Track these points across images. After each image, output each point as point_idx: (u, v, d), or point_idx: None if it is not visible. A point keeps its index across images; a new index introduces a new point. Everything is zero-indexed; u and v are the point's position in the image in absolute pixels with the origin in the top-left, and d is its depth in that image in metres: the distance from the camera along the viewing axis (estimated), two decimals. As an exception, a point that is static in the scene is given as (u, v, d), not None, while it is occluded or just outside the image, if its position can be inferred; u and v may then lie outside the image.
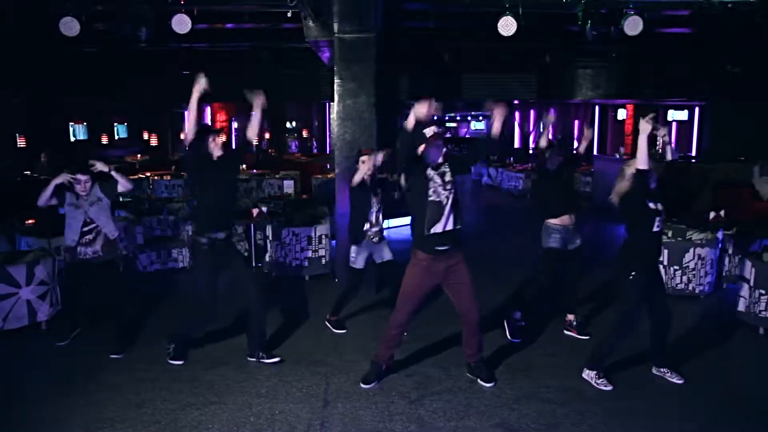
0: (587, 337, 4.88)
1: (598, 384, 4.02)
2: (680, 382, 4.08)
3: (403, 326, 4.06)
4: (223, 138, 4.37)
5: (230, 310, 5.52)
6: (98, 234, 4.69)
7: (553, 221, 4.82)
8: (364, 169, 4.80)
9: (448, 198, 3.83)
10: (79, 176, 4.63)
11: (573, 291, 5.08)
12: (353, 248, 4.97)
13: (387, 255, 5.06)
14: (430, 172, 3.83)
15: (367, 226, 4.92)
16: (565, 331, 5.00)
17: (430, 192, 3.81)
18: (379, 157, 4.92)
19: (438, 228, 3.83)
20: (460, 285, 3.97)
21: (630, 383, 4.08)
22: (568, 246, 4.86)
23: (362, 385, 4.06)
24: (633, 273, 3.92)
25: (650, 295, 4.00)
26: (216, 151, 4.27)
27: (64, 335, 4.82)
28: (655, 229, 3.89)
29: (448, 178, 3.86)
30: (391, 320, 4.07)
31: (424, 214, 3.83)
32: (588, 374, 4.10)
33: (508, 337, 4.89)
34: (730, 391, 4.04)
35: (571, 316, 5.04)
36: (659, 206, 3.90)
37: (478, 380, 4.10)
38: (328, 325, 5.18)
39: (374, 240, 4.97)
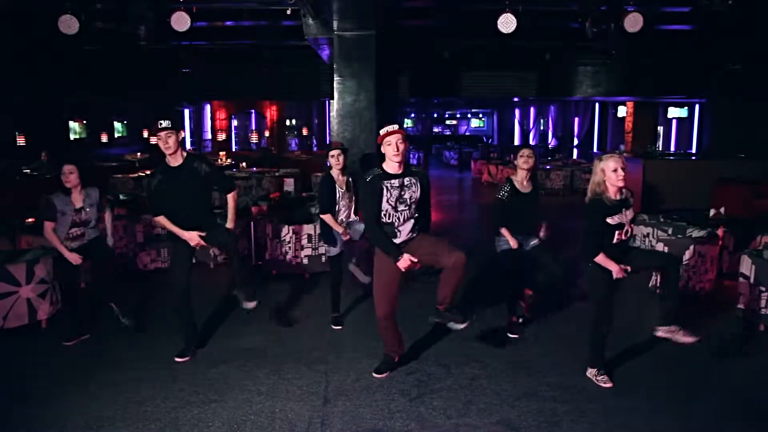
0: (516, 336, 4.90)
1: (598, 381, 4.03)
2: (692, 339, 3.97)
3: (389, 317, 4.02)
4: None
5: (229, 310, 5.53)
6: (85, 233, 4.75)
7: (503, 232, 4.79)
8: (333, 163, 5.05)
9: (401, 221, 3.82)
10: (67, 166, 4.60)
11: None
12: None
13: (356, 236, 5.13)
14: (386, 192, 3.78)
15: (344, 218, 5.11)
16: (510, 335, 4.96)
17: (383, 213, 3.80)
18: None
19: (395, 241, 3.86)
20: (430, 247, 3.86)
21: (630, 382, 4.08)
22: (524, 246, 4.83)
23: (374, 375, 4.14)
24: (590, 265, 3.90)
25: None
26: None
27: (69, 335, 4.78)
28: (614, 241, 3.85)
29: (405, 199, 3.80)
30: (379, 317, 4.03)
31: (377, 225, 3.84)
32: (589, 372, 4.11)
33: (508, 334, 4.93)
34: (730, 388, 4.04)
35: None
36: (623, 219, 3.82)
37: (451, 324, 3.86)
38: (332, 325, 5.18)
39: (350, 222, 5.14)
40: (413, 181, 3.85)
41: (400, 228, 3.85)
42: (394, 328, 4.13)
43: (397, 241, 3.86)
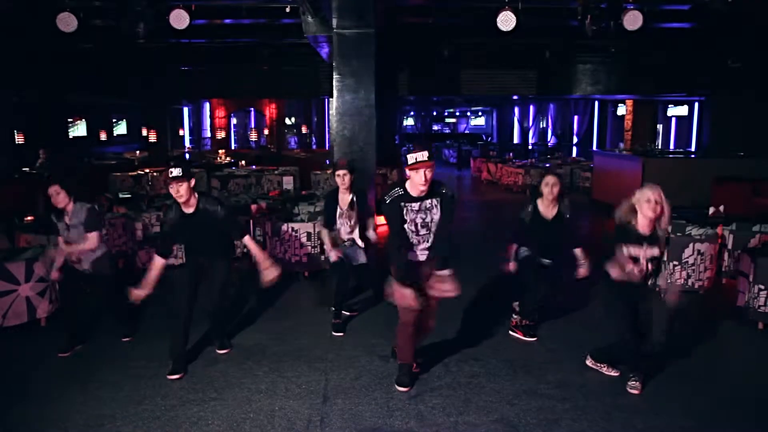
0: (534, 339, 4.85)
1: (630, 388, 3.90)
2: (616, 374, 4.10)
3: (413, 323, 3.89)
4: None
5: (229, 308, 5.53)
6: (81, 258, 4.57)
7: (509, 248, 4.87)
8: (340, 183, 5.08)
9: (421, 243, 3.77)
10: (54, 187, 4.46)
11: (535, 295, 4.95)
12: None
13: (362, 259, 5.16)
14: (406, 214, 3.72)
15: (345, 236, 5.13)
16: (510, 332, 4.95)
17: (406, 224, 3.74)
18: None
19: (411, 257, 3.80)
20: (431, 296, 3.90)
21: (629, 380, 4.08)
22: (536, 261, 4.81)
23: (398, 388, 3.95)
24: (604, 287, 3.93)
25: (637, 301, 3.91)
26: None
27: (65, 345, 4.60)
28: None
29: (427, 224, 3.74)
30: (402, 321, 3.91)
31: (397, 241, 3.77)
32: (592, 363, 4.16)
33: (525, 338, 4.86)
34: (730, 386, 4.04)
35: (517, 317, 4.98)
36: (641, 251, 3.75)
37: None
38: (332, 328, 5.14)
39: (346, 244, 5.13)
40: (434, 203, 3.72)
41: (417, 248, 3.81)
42: (413, 335, 3.95)
43: (412, 257, 3.80)
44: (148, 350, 4.59)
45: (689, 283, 6.01)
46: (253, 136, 22.33)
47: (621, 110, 18.16)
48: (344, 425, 3.52)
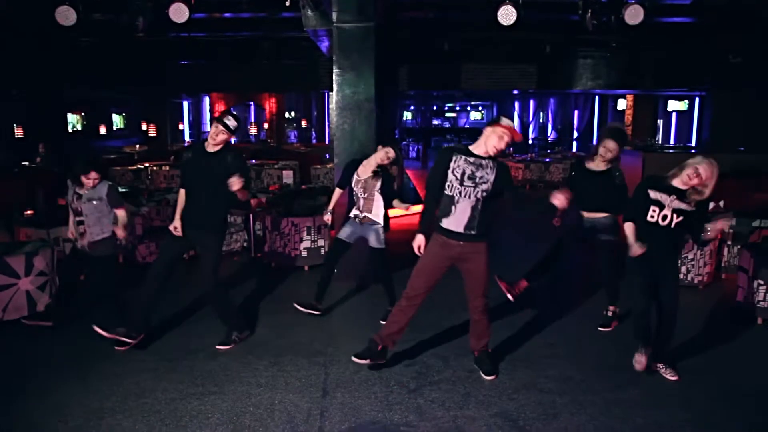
0: (512, 300, 4.90)
1: (636, 361, 3.92)
2: (674, 378, 4.01)
3: (412, 299, 3.95)
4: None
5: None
6: (86, 230, 4.66)
7: (584, 213, 4.84)
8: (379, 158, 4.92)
9: (462, 196, 3.74)
10: (92, 174, 4.56)
11: (610, 285, 4.96)
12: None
13: (373, 242, 5.00)
14: (454, 162, 3.77)
15: (355, 211, 5.00)
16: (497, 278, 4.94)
17: (447, 183, 3.79)
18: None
19: (448, 224, 3.81)
20: (473, 271, 3.90)
21: (629, 374, 4.07)
22: (598, 236, 4.76)
23: (353, 358, 3.99)
24: (628, 257, 3.92)
25: (657, 285, 3.92)
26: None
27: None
28: (649, 218, 3.82)
29: (475, 177, 3.73)
30: (403, 293, 4.01)
31: (439, 202, 3.86)
32: (657, 366, 4.08)
33: (507, 293, 4.88)
34: (729, 381, 4.05)
35: (612, 307, 4.98)
36: (667, 199, 3.77)
37: (481, 372, 4.09)
38: (300, 308, 5.15)
39: (357, 221, 5.00)
40: (491, 164, 3.77)
41: (457, 204, 3.76)
42: (408, 315, 4.00)
43: (448, 222, 3.79)
44: (148, 343, 4.59)
45: (689, 278, 6.01)
46: (253, 130, 22.27)
47: (621, 105, 18.12)
48: (343, 419, 3.53)
